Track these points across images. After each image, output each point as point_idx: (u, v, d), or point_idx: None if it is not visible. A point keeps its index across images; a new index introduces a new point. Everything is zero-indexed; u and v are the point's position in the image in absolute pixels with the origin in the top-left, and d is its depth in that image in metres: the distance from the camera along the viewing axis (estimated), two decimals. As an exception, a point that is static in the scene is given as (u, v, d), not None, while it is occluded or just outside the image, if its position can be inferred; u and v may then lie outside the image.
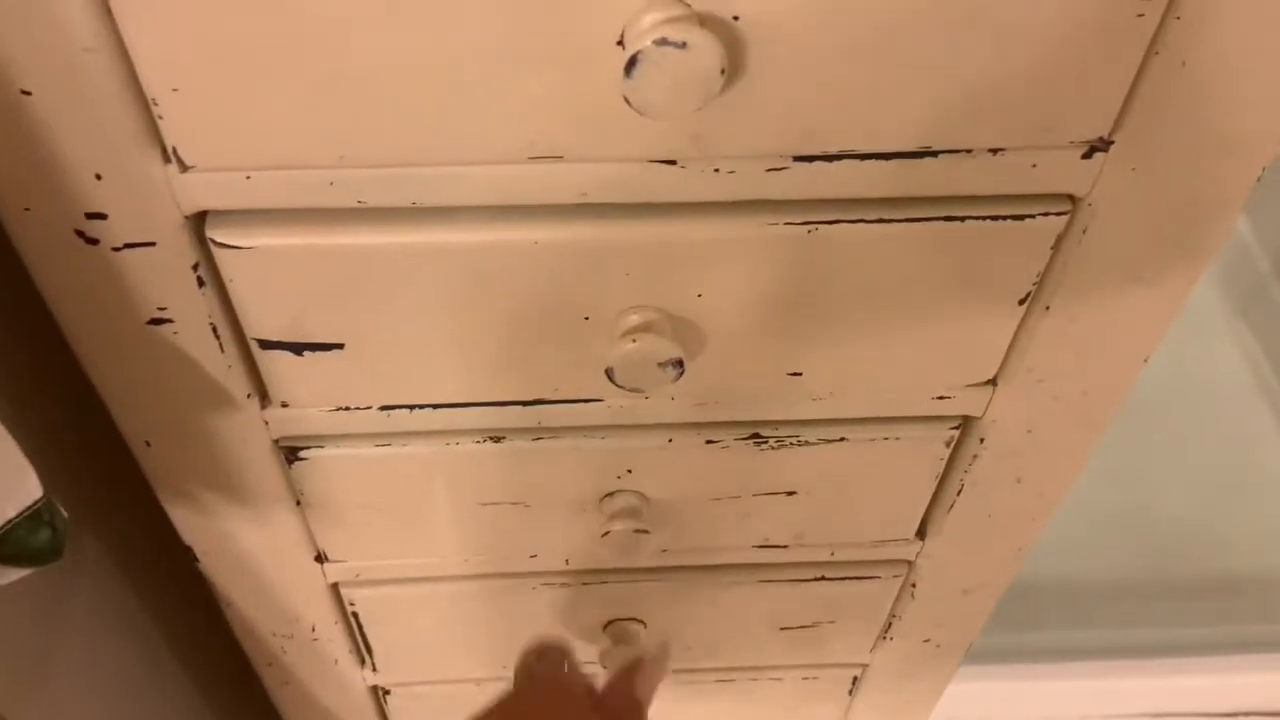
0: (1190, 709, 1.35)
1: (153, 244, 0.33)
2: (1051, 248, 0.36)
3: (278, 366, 0.38)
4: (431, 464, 0.44)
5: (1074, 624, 1.35)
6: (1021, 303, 0.38)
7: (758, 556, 0.52)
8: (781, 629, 0.57)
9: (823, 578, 0.53)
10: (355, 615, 0.53)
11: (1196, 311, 1.62)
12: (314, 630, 0.54)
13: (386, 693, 0.60)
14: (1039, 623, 1.34)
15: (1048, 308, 0.38)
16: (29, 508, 0.30)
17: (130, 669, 0.55)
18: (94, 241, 0.33)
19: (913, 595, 0.55)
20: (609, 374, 0.37)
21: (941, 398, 0.43)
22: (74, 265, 0.34)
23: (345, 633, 0.55)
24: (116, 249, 0.33)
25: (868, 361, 0.40)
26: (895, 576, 0.53)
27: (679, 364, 0.36)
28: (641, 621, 0.55)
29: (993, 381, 0.42)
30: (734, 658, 0.59)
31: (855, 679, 0.63)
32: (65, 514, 0.32)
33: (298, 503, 0.46)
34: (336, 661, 0.57)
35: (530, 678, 0.44)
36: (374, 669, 0.58)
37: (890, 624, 0.58)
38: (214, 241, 0.33)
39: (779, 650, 0.59)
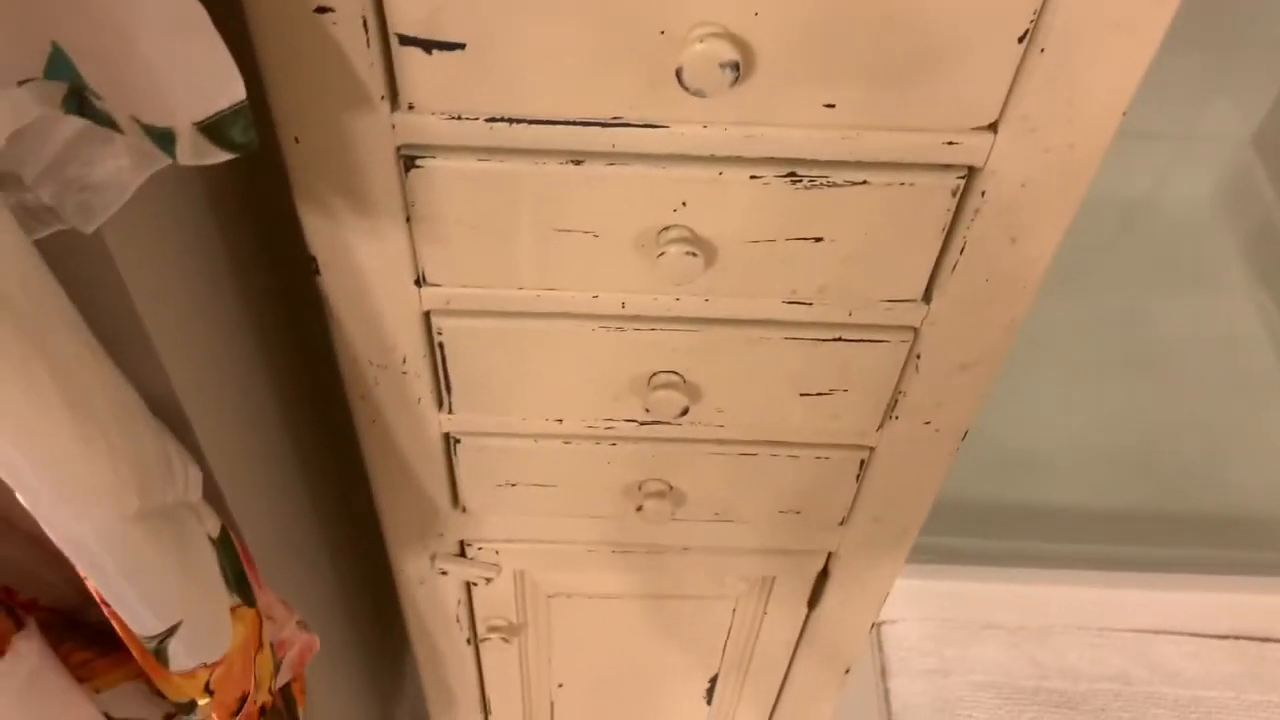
0: (1183, 627, 1.41)
1: (330, -69, 0.42)
2: (1044, -17, 0.44)
3: (410, 65, 0.48)
4: (521, 182, 0.53)
5: (1078, 540, 1.42)
6: (1020, 40, 0.46)
7: (786, 313, 0.60)
8: (802, 395, 0.65)
9: (840, 339, 0.62)
10: (441, 347, 0.62)
11: (1219, 275, 1.70)
12: (404, 363, 0.63)
13: (457, 441, 0.70)
14: (1046, 537, 1.42)
15: (1042, 50, 0.47)
16: (235, 104, 0.39)
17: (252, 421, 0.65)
18: (287, -75, 0.42)
19: (917, 368, 0.64)
20: (678, 75, 0.46)
21: (950, 143, 0.51)
22: (267, -54, 0.43)
23: (430, 370, 0.64)
24: (303, -67, 0.42)
25: (890, 94, 0.48)
26: (903, 342, 0.62)
27: (736, 67, 0.45)
28: (682, 376, 0.64)
29: (993, 127, 0.50)
30: (758, 424, 0.68)
31: (863, 462, 0.71)
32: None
33: (407, 219, 0.55)
34: (419, 400, 0.66)
35: None
36: (450, 410, 0.67)
37: (896, 401, 0.66)
38: (378, -69, 0.43)
39: (798, 418, 0.67)
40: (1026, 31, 0.46)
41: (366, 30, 0.46)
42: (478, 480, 0.73)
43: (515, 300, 0.60)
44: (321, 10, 0.45)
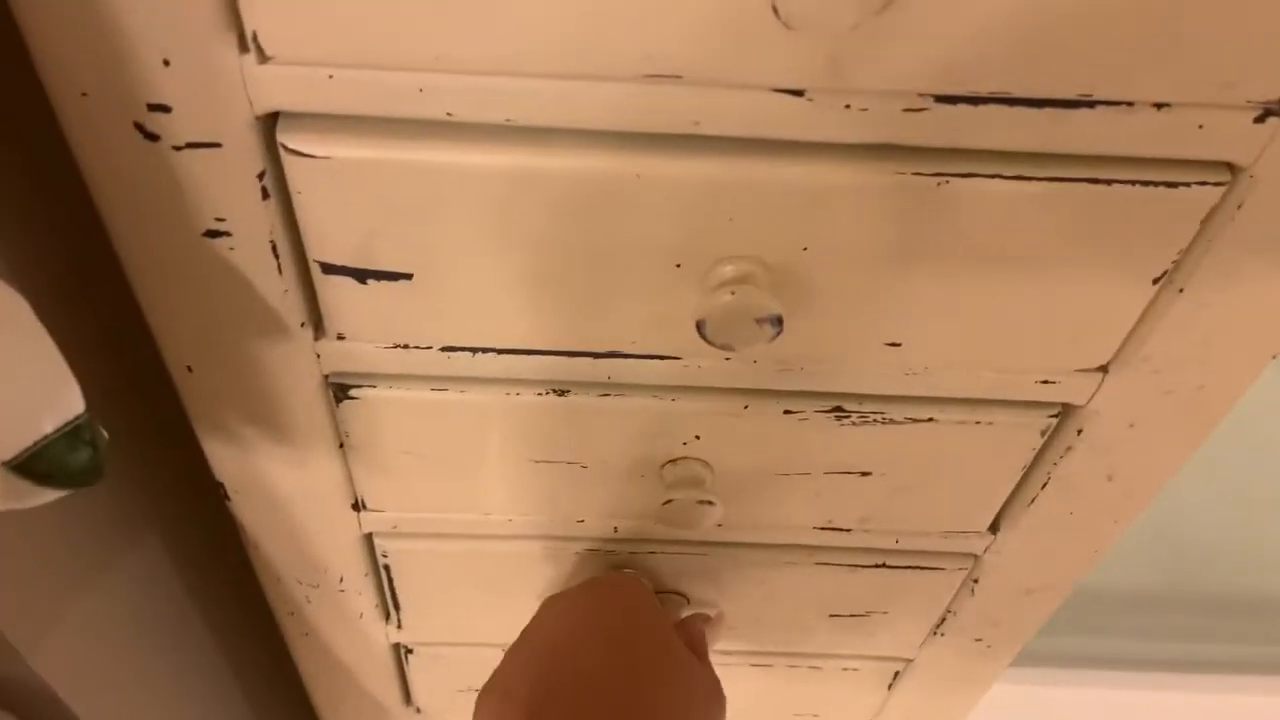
0: (1205, 729, 1.31)
1: (218, 145, 0.30)
2: (1201, 221, 0.32)
3: (338, 294, 0.35)
4: (488, 414, 0.41)
5: (1090, 632, 1.32)
6: (1155, 282, 0.35)
7: (818, 539, 0.49)
8: (831, 616, 0.54)
9: (884, 565, 0.50)
10: (387, 569, 0.50)
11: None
12: (342, 581, 0.51)
13: (409, 651, 0.58)
14: (1053, 628, 1.31)
15: (1181, 290, 0.35)
16: (68, 424, 0.27)
17: (150, 610, 0.53)
18: (154, 138, 0.30)
19: (973, 591, 0.52)
20: (699, 327, 0.34)
21: (1045, 382, 0.39)
22: (130, 164, 0.31)
23: (374, 586, 0.52)
24: (178, 148, 0.30)
25: (976, 336, 0.37)
26: (959, 569, 0.50)
27: (778, 322, 0.33)
28: (685, 596, 0.53)
29: (1104, 368, 0.39)
30: (777, 642, 0.57)
31: (897, 674, 0.60)
32: (106, 434, 0.29)
33: (340, 445, 0.43)
34: (361, 615, 0.54)
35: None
36: (399, 626, 0.55)
37: (944, 619, 0.55)
38: (285, 148, 0.30)
39: (825, 638, 0.56)
40: (1165, 272, 0.34)
41: (277, 256, 0.34)
42: (435, 687, 0.61)
43: (480, 524, 0.48)
44: (212, 234, 0.33)
